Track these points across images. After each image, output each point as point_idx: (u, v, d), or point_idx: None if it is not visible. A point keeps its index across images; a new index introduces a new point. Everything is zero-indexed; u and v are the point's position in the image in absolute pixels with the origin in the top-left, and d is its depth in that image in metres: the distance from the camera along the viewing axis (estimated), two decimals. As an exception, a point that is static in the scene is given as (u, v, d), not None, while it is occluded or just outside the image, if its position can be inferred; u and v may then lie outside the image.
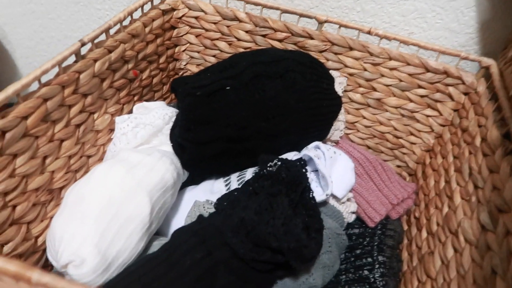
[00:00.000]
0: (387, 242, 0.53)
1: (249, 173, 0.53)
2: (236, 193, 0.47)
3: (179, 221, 0.50)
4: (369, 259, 0.51)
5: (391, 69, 0.59)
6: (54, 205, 0.46)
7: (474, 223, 0.44)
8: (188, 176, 0.53)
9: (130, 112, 0.58)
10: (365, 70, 0.60)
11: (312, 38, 0.61)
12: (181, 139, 0.49)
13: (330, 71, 0.61)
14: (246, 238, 0.40)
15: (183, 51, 0.69)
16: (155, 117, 0.53)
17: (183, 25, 0.66)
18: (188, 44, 0.69)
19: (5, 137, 0.38)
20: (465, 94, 0.57)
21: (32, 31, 0.89)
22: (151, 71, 0.62)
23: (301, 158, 0.48)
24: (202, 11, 0.64)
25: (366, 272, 0.50)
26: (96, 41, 0.48)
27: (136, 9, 0.54)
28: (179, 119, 0.49)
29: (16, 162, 0.40)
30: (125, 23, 0.54)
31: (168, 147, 0.52)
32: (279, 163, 0.47)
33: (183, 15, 0.65)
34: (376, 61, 0.59)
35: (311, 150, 0.54)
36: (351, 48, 0.60)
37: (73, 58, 0.46)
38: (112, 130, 0.54)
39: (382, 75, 0.60)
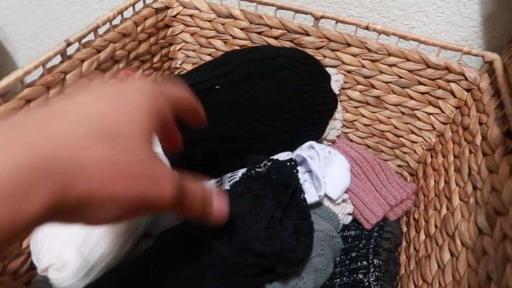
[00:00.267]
0: (383, 245, 0.51)
1: (240, 173, 0.52)
2: None
3: (168, 222, 0.49)
4: (364, 262, 0.50)
5: (391, 65, 0.57)
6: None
7: (471, 226, 0.42)
8: (179, 177, 0.52)
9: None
10: (364, 67, 0.59)
11: (308, 35, 0.59)
12: (170, 139, 0.48)
13: (327, 69, 0.59)
14: (230, 242, 0.38)
15: (179, 50, 0.68)
16: (145, 117, 0.52)
17: (177, 24, 0.65)
18: (183, 43, 0.68)
19: (-15, 138, 0.37)
20: (468, 90, 0.55)
21: (33, 32, 0.90)
22: (144, 71, 0.61)
23: (291, 158, 0.47)
24: (197, 9, 0.63)
25: (361, 276, 0.49)
26: (84, 40, 0.48)
27: (126, 8, 0.53)
28: (167, 119, 0.48)
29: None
30: (117, 22, 0.53)
31: (158, 148, 0.51)
32: (269, 163, 0.46)
33: (177, 13, 0.64)
34: (374, 58, 0.57)
35: (305, 150, 0.53)
36: (348, 45, 0.58)
37: (59, 59, 0.45)
38: (103, 131, 0.53)
39: (381, 72, 0.58)
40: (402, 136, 0.63)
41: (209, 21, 0.63)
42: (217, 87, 0.47)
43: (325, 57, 0.60)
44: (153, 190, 0.21)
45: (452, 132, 0.56)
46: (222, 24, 0.63)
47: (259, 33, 0.61)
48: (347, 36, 0.57)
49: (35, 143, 0.17)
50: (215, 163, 0.50)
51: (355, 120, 0.64)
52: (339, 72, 0.60)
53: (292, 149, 0.53)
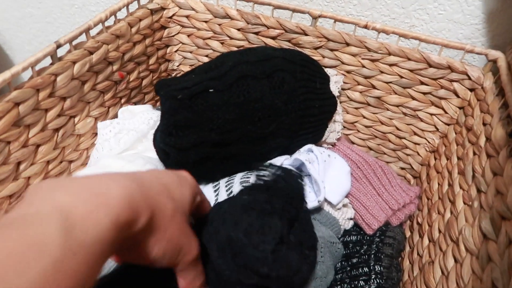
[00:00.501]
0: (385, 251, 0.49)
1: (237, 178, 0.51)
2: (227, 205, 0.43)
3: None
4: (366, 269, 0.48)
5: (391, 65, 0.56)
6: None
7: (476, 231, 0.40)
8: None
9: (117, 115, 0.56)
10: (363, 66, 0.57)
11: (306, 35, 0.58)
12: (163, 144, 0.46)
13: (326, 69, 0.58)
14: (233, 259, 0.37)
15: (175, 51, 0.67)
16: (139, 122, 0.51)
17: (174, 25, 0.64)
18: (180, 44, 0.67)
19: (-29, 142, 0.36)
20: (471, 90, 0.53)
21: (32, 35, 0.89)
22: (139, 73, 0.60)
23: (298, 167, 0.45)
24: (193, 9, 0.62)
25: (361, 283, 0.47)
26: (75, 42, 0.47)
27: (119, 9, 0.52)
28: (160, 123, 0.47)
29: (-15, 169, 0.39)
30: (110, 23, 0.52)
31: (153, 153, 0.50)
32: (277, 172, 0.44)
33: (173, 14, 0.63)
34: (374, 57, 0.56)
35: (303, 154, 0.51)
36: (347, 44, 0.56)
37: (50, 61, 0.45)
38: (96, 134, 0.52)
39: (382, 72, 0.57)
40: (404, 138, 0.61)
41: (206, 21, 0.62)
42: (210, 90, 0.46)
43: (323, 57, 0.59)
44: (187, 243, 0.29)
45: (455, 133, 0.54)
46: (219, 24, 0.62)
47: (256, 33, 0.60)
48: (346, 36, 0.56)
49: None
50: (210, 167, 0.49)
51: (356, 122, 0.63)
52: (338, 73, 0.59)
53: (289, 153, 0.52)
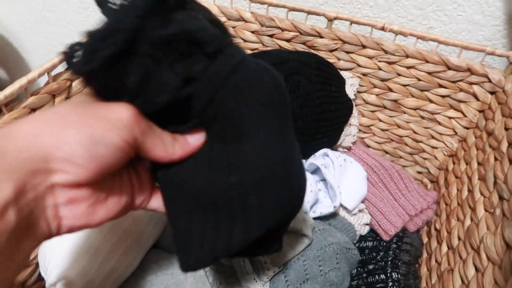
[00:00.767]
0: (402, 258, 0.48)
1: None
2: None
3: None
4: (382, 276, 0.47)
5: (408, 67, 0.54)
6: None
7: (498, 239, 0.39)
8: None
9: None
10: (380, 69, 0.56)
11: (321, 37, 0.57)
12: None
13: (342, 72, 0.57)
14: None
15: (189, 54, 0.67)
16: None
17: (188, 28, 0.64)
18: (194, 47, 0.66)
19: (-13, 150, 0.36)
20: (492, 93, 0.51)
21: (46, 38, 0.90)
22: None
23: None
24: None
25: (378, 290, 0.46)
26: (90, 47, 0.47)
27: (134, 13, 0.52)
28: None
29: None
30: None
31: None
32: None
33: (187, 17, 0.62)
34: (391, 59, 0.55)
35: (319, 158, 0.50)
36: (364, 46, 0.55)
37: (65, 65, 0.44)
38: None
39: (399, 74, 0.56)
40: (421, 141, 0.60)
41: (220, 24, 0.62)
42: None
43: (339, 59, 0.58)
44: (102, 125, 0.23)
45: (475, 138, 0.53)
46: (233, 27, 0.61)
47: (271, 35, 0.59)
48: (362, 38, 0.55)
49: None
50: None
51: (371, 125, 0.62)
52: (354, 76, 0.58)
53: (305, 156, 0.51)
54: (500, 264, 0.37)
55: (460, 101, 0.54)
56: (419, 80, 0.54)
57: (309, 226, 0.45)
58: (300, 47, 0.58)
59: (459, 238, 0.46)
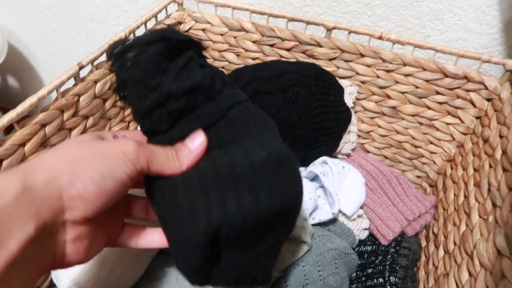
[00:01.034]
0: (400, 262, 0.50)
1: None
2: None
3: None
4: (381, 280, 0.49)
5: (406, 75, 0.56)
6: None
7: (490, 246, 0.40)
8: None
9: (136, 129, 0.58)
10: (378, 77, 0.57)
11: (321, 46, 0.58)
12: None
13: (341, 80, 0.58)
14: None
15: (193, 63, 0.69)
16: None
17: (191, 38, 0.66)
18: (197, 57, 0.68)
19: (2, 165, 0.39)
20: (488, 100, 0.53)
21: (55, 48, 0.93)
22: (158, 87, 0.62)
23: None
24: (209, 23, 0.63)
25: (377, 294, 0.48)
26: (96, 62, 0.49)
27: (138, 27, 0.54)
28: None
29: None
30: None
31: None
32: None
33: (190, 28, 0.64)
34: (389, 68, 0.56)
35: (318, 166, 0.52)
36: (362, 55, 0.57)
37: (72, 81, 0.47)
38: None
39: (397, 82, 0.57)
40: (420, 147, 0.61)
41: (221, 34, 0.64)
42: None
43: (338, 68, 0.59)
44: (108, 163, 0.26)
45: (472, 144, 0.54)
46: (234, 37, 0.63)
47: (271, 45, 0.61)
48: (361, 47, 0.56)
49: None
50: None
51: (371, 131, 0.63)
52: (353, 84, 0.59)
53: (305, 164, 0.53)
54: (491, 270, 0.39)
55: (457, 108, 0.55)
56: (417, 87, 0.56)
57: (308, 232, 0.46)
58: (300, 56, 0.60)
59: (455, 243, 0.47)
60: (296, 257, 0.46)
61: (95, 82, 0.49)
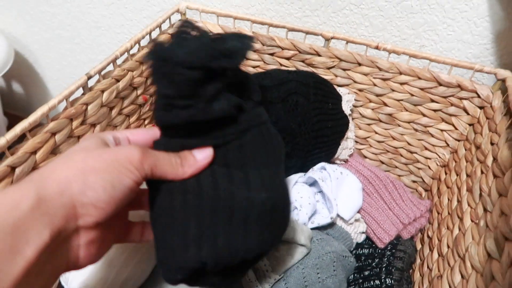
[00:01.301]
0: (396, 264, 0.51)
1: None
2: None
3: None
4: (377, 282, 0.50)
5: (402, 83, 0.58)
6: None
7: (481, 249, 0.42)
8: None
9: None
10: (375, 85, 0.59)
11: (319, 55, 0.60)
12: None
13: (339, 88, 0.60)
14: None
15: (195, 71, 0.71)
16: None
17: (193, 47, 0.68)
18: (200, 65, 0.70)
19: (15, 172, 0.40)
20: (481, 107, 0.55)
21: (60, 55, 0.95)
22: (162, 94, 0.64)
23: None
24: (211, 32, 0.65)
25: (373, 295, 0.50)
26: (103, 72, 0.51)
27: (143, 37, 0.56)
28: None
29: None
30: (134, 51, 0.56)
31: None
32: None
33: (193, 37, 0.66)
34: (385, 76, 0.58)
35: (317, 172, 0.54)
36: (359, 64, 0.59)
37: (81, 91, 0.49)
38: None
39: (393, 90, 0.59)
40: (416, 152, 0.63)
41: (223, 44, 0.65)
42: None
43: (336, 76, 0.61)
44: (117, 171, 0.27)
45: (465, 150, 0.56)
46: (236, 46, 0.65)
47: (271, 54, 0.63)
48: (358, 56, 0.58)
49: None
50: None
51: (368, 137, 0.65)
52: (350, 92, 0.61)
53: (304, 170, 0.55)
54: (482, 272, 0.41)
55: (451, 115, 0.57)
56: (412, 95, 0.58)
57: (307, 236, 0.48)
58: (299, 65, 0.62)
59: (448, 246, 0.49)
60: (296, 260, 0.48)
61: (102, 91, 0.50)
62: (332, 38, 0.58)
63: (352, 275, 0.53)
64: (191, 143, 0.31)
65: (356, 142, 0.66)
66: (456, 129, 0.58)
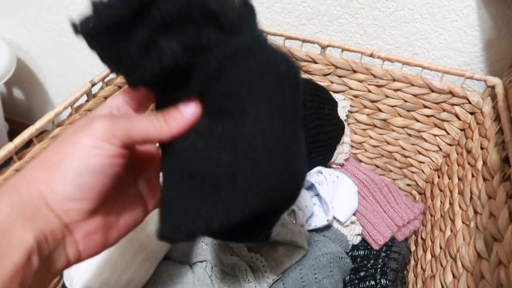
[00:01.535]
0: (390, 265, 0.53)
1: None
2: None
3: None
4: (372, 282, 0.52)
5: (396, 90, 0.60)
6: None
7: (471, 249, 0.44)
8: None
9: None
10: (370, 91, 0.61)
11: (316, 63, 0.62)
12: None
13: (334, 94, 0.62)
14: None
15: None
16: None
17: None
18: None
19: (22, 176, 0.42)
20: (472, 113, 0.56)
21: (61, 61, 0.96)
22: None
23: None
24: None
25: (368, 296, 0.51)
26: (106, 79, 0.53)
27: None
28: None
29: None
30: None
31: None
32: None
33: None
34: (380, 83, 0.60)
35: (313, 176, 0.55)
36: (354, 71, 0.61)
37: (85, 98, 0.50)
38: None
39: (387, 96, 0.61)
40: (409, 157, 0.65)
41: (222, 51, 0.67)
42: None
43: (332, 83, 0.63)
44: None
45: (457, 154, 0.57)
46: (235, 54, 0.67)
47: (269, 61, 0.65)
48: (353, 63, 0.60)
49: None
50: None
51: (363, 142, 0.67)
52: (346, 98, 0.63)
53: (301, 174, 0.56)
54: (472, 272, 0.42)
55: (443, 120, 0.59)
56: (406, 101, 0.60)
57: (304, 238, 0.50)
58: (296, 72, 0.64)
59: (441, 247, 0.51)
60: (293, 261, 0.49)
61: (105, 98, 0.52)
62: (328, 46, 0.59)
63: (348, 276, 0.55)
64: (173, 98, 0.27)
65: (352, 146, 0.68)
66: (448, 134, 0.59)
